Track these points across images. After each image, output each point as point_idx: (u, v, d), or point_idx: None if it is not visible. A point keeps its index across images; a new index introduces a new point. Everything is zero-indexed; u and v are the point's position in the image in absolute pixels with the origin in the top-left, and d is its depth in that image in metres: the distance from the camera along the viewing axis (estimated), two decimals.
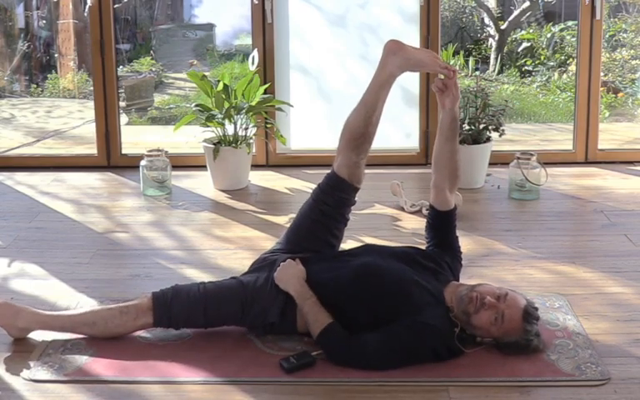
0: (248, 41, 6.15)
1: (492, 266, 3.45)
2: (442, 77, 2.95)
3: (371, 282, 2.78)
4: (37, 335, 2.89)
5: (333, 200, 3.01)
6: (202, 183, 4.88)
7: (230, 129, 4.82)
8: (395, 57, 2.93)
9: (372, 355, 2.64)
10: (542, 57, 8.74)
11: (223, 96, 4.78)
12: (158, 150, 4.73)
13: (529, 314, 2.72)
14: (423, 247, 3.10)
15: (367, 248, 3.05)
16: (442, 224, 3.04)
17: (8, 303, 2.90)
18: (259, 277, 2.87)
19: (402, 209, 4.32)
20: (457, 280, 2.99)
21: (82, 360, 2.75)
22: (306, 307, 2.76)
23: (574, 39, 8.02)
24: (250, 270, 3.00)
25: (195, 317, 2.82)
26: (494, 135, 4.70)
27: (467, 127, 4.67)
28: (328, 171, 3.07)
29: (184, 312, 2.81)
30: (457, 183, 3.07)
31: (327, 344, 2.70)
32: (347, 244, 3.28)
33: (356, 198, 3.06)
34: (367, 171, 5.01)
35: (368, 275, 2.79)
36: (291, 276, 2.82)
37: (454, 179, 3.02)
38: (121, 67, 8.12)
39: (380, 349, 2.65)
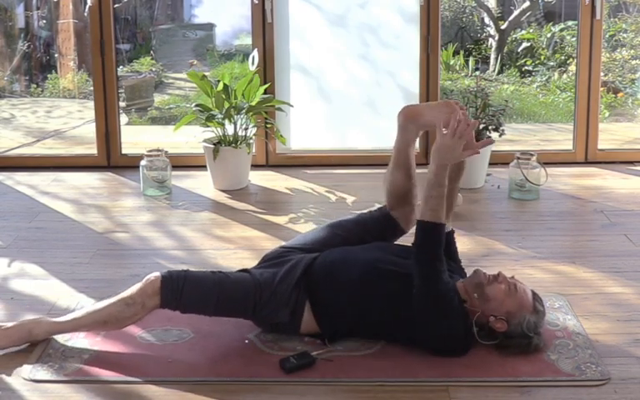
0: (248, 41, 6.15)
1: (492, 266, 3.44)
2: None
3: (378, 280, 2.78)
4: None
5: (381, 237, 3.07)
6: (202, 183, 4.88)
7: (230, 129, 4.82)
8: (413, 125, 3.01)
9: (442, 283, 2.69)
10: (542, 57, 8.74)
11: (223, 96, 4.78)
12: (158, 150, 4.73)
13: (537, 296, 2.81)
14: None
15: (376, 246, 3.05)
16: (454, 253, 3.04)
17: (19, 325, 2.84)
18: (276, 274, 2.85)
19: None
20: None
21: (82, 360, 2.75)
22: (435, 192, 2.73)
23: (574, 39, 8.02)
24: (264, 264, 2.96)
25: (205, 307, 2.80)
26: (494, 135, 4.70)
27: None
28: (380, 205, 3.14)
29: (195, 300, 2.77)
30: (452, 212, 3.04)
31: (425, 235, 2.72)
32: None
33: None
34: (366, 171, 5.08)
35: (376, 274, 2.80)
36: (447, 155, 2.76)
37: (450, 210, 3.00)
38: (121, 67, 8.12)
39: (445, 285, 2.70)
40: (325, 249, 2.98)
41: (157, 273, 2.79)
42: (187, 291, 2.76)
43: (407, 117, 3.01)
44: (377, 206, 3.23)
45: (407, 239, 3.30)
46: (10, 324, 2.85)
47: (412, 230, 3.10)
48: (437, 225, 2.74)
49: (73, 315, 2.86)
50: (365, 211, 3.17)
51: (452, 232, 3.04)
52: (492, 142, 3.37)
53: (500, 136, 4.69)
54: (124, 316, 2.76)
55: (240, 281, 2.84)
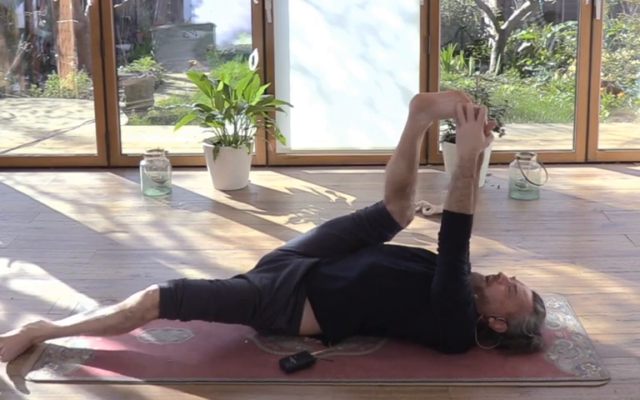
0: (248, 41, 6.15)
1: (492, 266, 3.45)
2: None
3: (378, 281, 2.78)
4: None
5: (378, 235, 3.04)
6: (202, 183, 4.88)
7: (230, 129, 4.82)
8: (424, 114, 2.95)
9: (465, 276, 2.70)
10: (542, 57, 8.74)
11: (223, 96, 4.78)
12: (158, 150, 4.73)
13: (538, 297, 2.81)
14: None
15: (375, 248, 3.04)
16: None
17: (24, 332, 2.81)
18: (275, 279, 2.84)
19: None
20: None
21: (82, 360, 2.75)
22: (460, 183, 2.73)
23: (574, 39, 8.02)
24: (262, 267, 2.96)
25: (204, 317, 2.81)
26: (494, 135, 4.70)
27: None
28: (377, 202, 3.08)
29: (194, 311, 2.78)
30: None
31: (451, 226, 2.73)
32: None
33: None
34: (366, 171, 5.08)
35: (375, 274, 2.80)
36: (472, 142, 2.78)
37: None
38: (121, 67, 8.12)
39: (467, 279, 2.71)
40: (322, 251, 2.97)
41: (156, 286, 2.77)
42: (186, 302, 2.76)
43: (418, 106, 2.96)
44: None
45: (405, 239, 3.30)
46: (12, 333, 2.81)
47: (409, 227, 3.10)
48: (464, 216, 2.73)
49: (73, 321, 2.84)
50: (361, 208, 3.15)
51: None
52: (495, 125, 3.26)
53: (500, 136, 4.70)
54: (123, 327, 2.77)
55: (238, 288, 2.83)
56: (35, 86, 8.30)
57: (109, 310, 2.79)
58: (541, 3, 9.24)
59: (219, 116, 4.74)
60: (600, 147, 5.27)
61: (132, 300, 2.77)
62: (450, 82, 8.34)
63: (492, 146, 4.71)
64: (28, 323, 2.86)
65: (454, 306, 2.69)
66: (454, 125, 4.76)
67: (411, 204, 3.03)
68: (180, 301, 2.75)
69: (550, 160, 4.91)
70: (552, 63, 8.59)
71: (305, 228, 3.95)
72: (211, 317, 2.81)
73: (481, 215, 4.32)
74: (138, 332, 2.91)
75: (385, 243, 3.09)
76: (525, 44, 9.03)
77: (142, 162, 4.68)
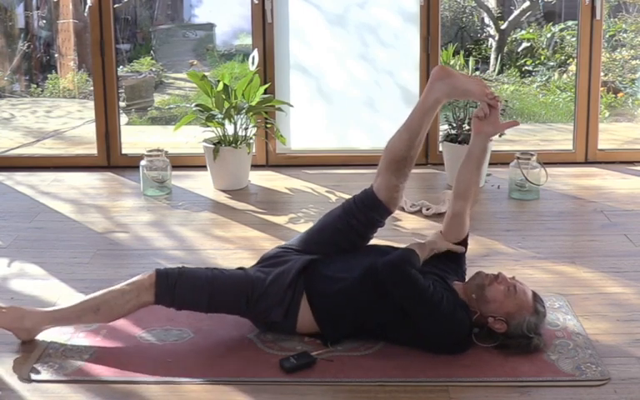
0: (248, 41, 6.16)
1: (492, 266, 3.45)
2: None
3: (376, 283, 2.78)
4: (39, 335, 2.88)
5: (366, 219, 3.00)
6: (202, 183, 4.88)
7: (230, 129, 4.82)
8: (442, 84, 2.94)
9: (428, 290, 2.70)
10: (542, 57, 8.74)
11: (223, 96, 4.78)
12: (158, 150, 4.73)
13: (538, 296, 2.82)
14: None
15: (372, 248, 3.04)
16: (454, 254, 3.01)
17: (14, 307, 2.88)
18: (269, 273, 2.86)
19: (402, 209, 4.32)
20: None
21: (82, 360, 2.75)
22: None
23: (574, 39, 8.02)
24: (261, 264, 2.98)
25: (198, 302, 2.82)
26: (494, 136, 4.69)
27: (467, 127, 4.67)
28: (366, 187, 3.04)
29: (188, 295, 2.80)
30: (474, 201, 3.07)
31: (404, 253, 2.82)
32: None
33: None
34: (366, 171, 5.08)
35: (373, 277, 2.80)
36: (435, 245, 2.96)
37: (473, 204, 3.02)
38: (121, 67, 8.12)
39: (433, 293, 2.71)
40: (320, 246, 2.98)
41: (153, 269, 2.83)
42: (180, 285, 2.79)
43: (438, 75, 2.95)
44: None
45: (405, 239, 3.30)
46: (5, 305, 2.90)
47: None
48: (411, 251, 2.84)
49: (67, 304, 2.89)
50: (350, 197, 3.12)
51: (467, 236, 3.02)
52: (517, 123, 3.25)
53: (500, 136, 4.69)
54: (117, 303, 2.79)
55: (233, 277, 2.86)
56: (35, 86, 8.30)
57: (104, 290, 2.84)
58: (541, 3, 9.23)
59: (219, 116, 4.74)
60: (600, 147, 5.27)
61: (129, 280, 2.83)
62: None
63: (492, 145, 4.72)
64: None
65: (429, 306, 2.70)
66: (454, 125, 4.76)
67: (400, 187, 2.98)
68: (174, 283, 2.78)
69: (550, 160, 4.91)
70: (552, 63, 8.59)
71: (305, 228, 3.94)
72: (204, 303, 2.82)
73: (481, 215, 4.32)
74: (138, 331, 2.92)
75: (382, 244, 3.09)
76: (525, 44, 9.03)
77: (142, 162, 4.68)
